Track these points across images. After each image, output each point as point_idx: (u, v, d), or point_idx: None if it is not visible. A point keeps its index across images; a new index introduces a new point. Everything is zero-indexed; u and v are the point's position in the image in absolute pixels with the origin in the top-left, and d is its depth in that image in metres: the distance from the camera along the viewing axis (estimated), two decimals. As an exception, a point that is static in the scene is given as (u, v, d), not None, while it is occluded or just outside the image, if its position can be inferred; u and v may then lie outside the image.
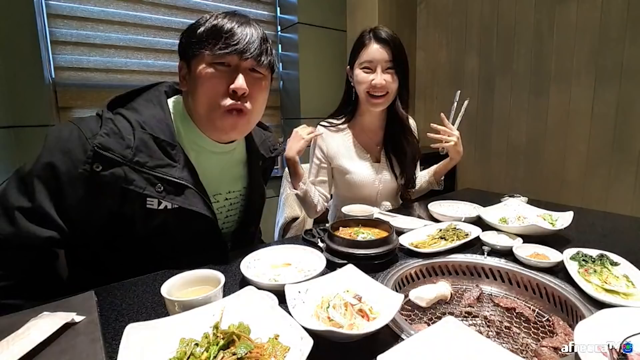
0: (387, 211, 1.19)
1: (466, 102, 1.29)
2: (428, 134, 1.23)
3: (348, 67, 1.27)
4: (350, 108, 1.31)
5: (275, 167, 2.99)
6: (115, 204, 0.72)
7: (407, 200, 1.43)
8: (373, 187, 1.30)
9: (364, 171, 1.28)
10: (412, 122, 1.38)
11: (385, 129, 1.33)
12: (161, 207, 0.74)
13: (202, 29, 0.73)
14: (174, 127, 0.78)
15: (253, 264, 0.76)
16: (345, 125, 1.33)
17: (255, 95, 0.79)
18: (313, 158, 1.35)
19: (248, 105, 0.77)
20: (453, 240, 0.88)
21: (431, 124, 1.24)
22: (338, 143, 1.30)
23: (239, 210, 0.95)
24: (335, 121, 1.33)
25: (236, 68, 0.75)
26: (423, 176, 1.42)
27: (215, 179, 0.87)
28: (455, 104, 1.28)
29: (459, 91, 1.30)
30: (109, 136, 0.69)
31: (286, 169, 1.27)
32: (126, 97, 0.80)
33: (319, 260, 0.75)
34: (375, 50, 1.16)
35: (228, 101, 0.75)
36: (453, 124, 1.25)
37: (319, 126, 1.34)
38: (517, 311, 0.70)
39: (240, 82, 0.74)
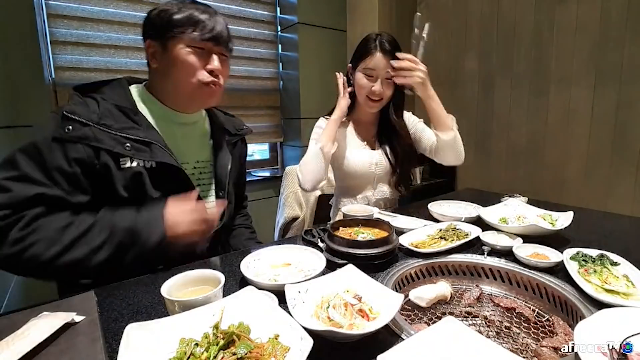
0: (387, 211, 1.19)
1: (427, 27, 1.18)
2: (392, 63, 1.17)
3: (350, 65, 1.33)
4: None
5: (275, 167, 2.97)
6: (92, 164, 0.77)
7: (406, 191, 1.42)
8: (369, 172, 1.34)
9: (360, 156, 1.33)
10: (409, 117, 1.42)
11: (379, 126, 1.41)
12: (134, 164, 0.80)
13: (179, 15, 0.83)
14: (136, 104, 0.87)
15: (253, 264, 0.76)
16: (344, 118, 1.37)
17: (224, 72, 0.91)
18: (314, 137, 1.33)
19: (220, 80, 0.91)
20: (453, 240, 0.88)
21: (396, 53, 1.18)
22: (337, 131, 1.33)
23: (210, 183, 1.00)
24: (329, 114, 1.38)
25: (209, 52, 0.87)
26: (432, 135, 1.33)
27: (181, 147, 0.92)
28: (416, 30, 1.20)
29: (419, 14, 1.21)
30: (75, 105, 0.79)
31: (286, 168, 1.28)
32: (92, 86, 0.88)
33: (319, 260, 0.75)
34: (379, 60, 1.22)
35: (207, 76, 0.87)
36: (416, 56, 1.20)
37: (320, 119, 1.39)
38: (517, 311, 0.70)
39: (216, 63, 0.87)
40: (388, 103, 1.32)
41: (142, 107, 0.88)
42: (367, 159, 1.34)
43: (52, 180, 0.74)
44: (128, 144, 0.79)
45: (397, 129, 1.35)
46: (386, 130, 1.38)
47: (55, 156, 0.74)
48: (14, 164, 0.73)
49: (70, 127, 0.75)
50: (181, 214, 0.80)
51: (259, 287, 0.60)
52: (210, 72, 0.87)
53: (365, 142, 1.38)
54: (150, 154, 0.82)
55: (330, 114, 1.39)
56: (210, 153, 1.01)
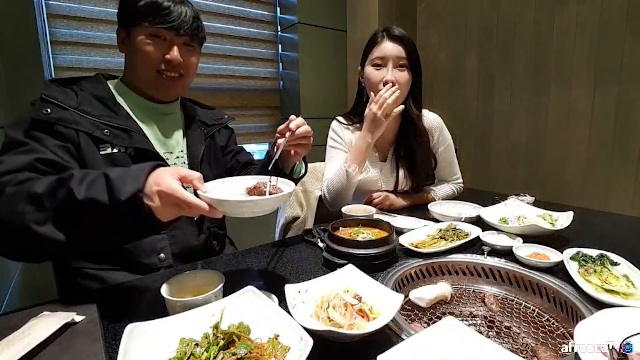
0: (387, 211, 1.19)
1: None
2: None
3: (359, 67, 1.27)
4: (361, 108, 1.28)
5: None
6: (76, 144, 0.77)
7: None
8: (375, 185, 1.31)
9: (368, 167, 1.28)
10: (434, 119, 1.34)
11: (399, 129, 1.31)
12: (115, 150, 0.81)
13: (142, 2, 0.83)
14: (115, 96, 0.89)
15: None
16: (358, 125, 1.31)
17: (188, 63, 0.91)
18: (335, 146, 1.31)
19: (182, 71, 0.91)
20: (453, 240, 0.88)
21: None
22: (350, 138, 1.30)
23: None
24: (347, 119, 1.34)
25: (171, 41, 0.87)
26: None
27: (161, 137, 0.94)
28: None
29: None
30: (53, 91, 0.79)
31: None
32: (69, 80, 0.88)
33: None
34: (387, 47, 1.16)
35: (163, 66, 0.87)
36: None
37: (334, 120, 1.35)
38: (517, 311, 0.70)
39: (175, 53, 0.87)
40: (406, 98, 1.22)
41: (119, 99, 0.90)
42: (373, 172, 1.29)
43: (47, 148, 0.73)
44: (107, 130, 0.80)
45: (416, 130, 1.25)
46: (406, 135, 1.28)
47: (45, 135, 0.74)
48: (15, 143, 0.72)
49: (49, 110, 0.75)
50: (167, 179, 0.59)
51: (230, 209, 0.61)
52: (169, 62, 0.86)
53: (376, 153, 1.30)
54: (129, 140, 0.83)
55: (347, 115, 1.33)
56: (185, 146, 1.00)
